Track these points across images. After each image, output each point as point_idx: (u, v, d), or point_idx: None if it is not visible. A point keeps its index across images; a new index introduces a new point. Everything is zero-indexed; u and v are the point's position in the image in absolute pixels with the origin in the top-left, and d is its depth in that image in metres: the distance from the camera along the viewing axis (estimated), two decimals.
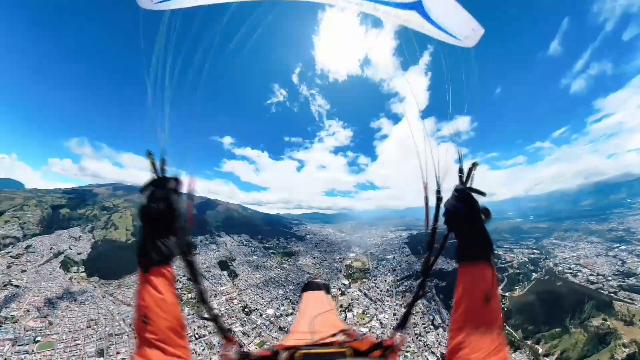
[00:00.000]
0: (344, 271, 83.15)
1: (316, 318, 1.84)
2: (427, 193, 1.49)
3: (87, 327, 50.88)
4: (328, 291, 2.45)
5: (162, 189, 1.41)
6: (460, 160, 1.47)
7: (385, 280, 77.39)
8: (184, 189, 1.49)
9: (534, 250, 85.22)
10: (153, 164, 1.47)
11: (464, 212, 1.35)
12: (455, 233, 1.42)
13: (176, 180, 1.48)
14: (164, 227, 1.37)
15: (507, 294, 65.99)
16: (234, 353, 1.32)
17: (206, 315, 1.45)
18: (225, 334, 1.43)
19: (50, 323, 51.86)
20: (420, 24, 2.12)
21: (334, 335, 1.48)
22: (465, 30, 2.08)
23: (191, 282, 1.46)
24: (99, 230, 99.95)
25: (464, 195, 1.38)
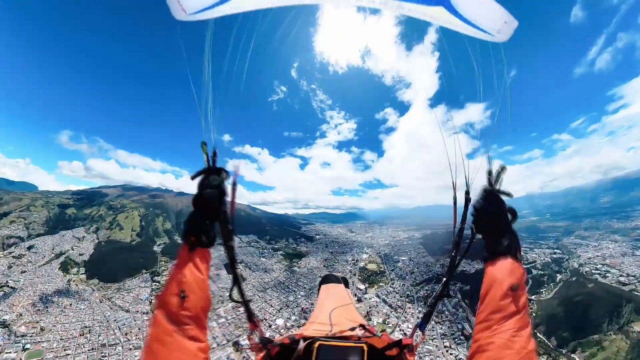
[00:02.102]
0: (358, 274, 77.05)
1: (335, 311, 1.80)
2: (456, 192, 1.53)
3: (80, 335, 46.78)
4: (346, 285, 2.29)
5: (215, 177, 1.47)
6: (489, 163, 1.51)
7: (404, 285, 71.03)
8: (230, 180, 1.56)
9: (555, 250, 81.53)
10: (207, 155, 1.52)
11: (491, 211, 1.41)
12: (483, 233, 1.46)
13: (226, 171, 1.54)
14: (213, 213, 1.42)
15: (533, 297, 62.21)
16: (258, 338, 1.44)
17: (238, 299, 1.56)
18: (253, 319, 1.55)
19: (42, 329, 48.09)
20: (447, 19, 1.97)
21: (352, 329, 1.46)
22: (497, 23, 1.91)
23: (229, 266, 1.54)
24: (104, 230, 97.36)
25: (492, 195, 1.43)
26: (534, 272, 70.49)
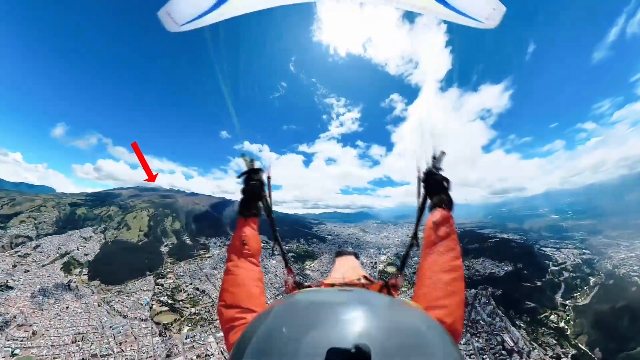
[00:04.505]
0: (378, 278, 70.10)
1: (347, 271, 2.28)
2: (419, 173, 2.07)
3: (72, 342, 42.59)
4: (357, 257, 2.66)
5: (255, 175, 2.07)
6: (433, 150, 2.04)
7: None
8: (266, 176, 2.11)
9: (584, 251, 75.96)
10: (246, 161, 2.11)
11: (432, 184, 1.97)
12: (429, 198, 2.00)
13: (263, 171, 2.11)
14: (256, 196, 2.03)
15: (568, 302, 58.67)
16: (292, 281, 1.88)
17: (277, 252, 2.07)
18: (289, 266, 1.97)
19: (34, 333, 44.41)
20: (437, 9, 2.06)
21: (358, 279, 1.94)
22: (485, 10, 2.00)
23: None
24: (111, 230, 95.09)
25: (431, 173, 2.01)
26: (565, 274, 67.04)
